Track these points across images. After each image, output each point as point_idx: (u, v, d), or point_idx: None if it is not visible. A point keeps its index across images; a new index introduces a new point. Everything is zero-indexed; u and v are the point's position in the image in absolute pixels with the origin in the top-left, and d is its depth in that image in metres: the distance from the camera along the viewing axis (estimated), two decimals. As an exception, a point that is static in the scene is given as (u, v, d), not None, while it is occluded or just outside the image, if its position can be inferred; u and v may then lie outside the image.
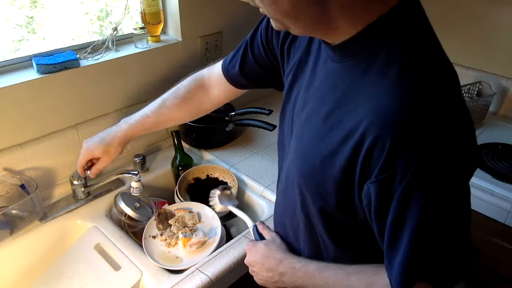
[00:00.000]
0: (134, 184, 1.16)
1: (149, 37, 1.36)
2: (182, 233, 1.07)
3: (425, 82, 0.53)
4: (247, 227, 1.15)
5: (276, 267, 0.77)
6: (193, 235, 1.06)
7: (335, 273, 0.68)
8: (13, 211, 1.07)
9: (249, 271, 0.85)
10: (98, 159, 1.07)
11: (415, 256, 0.55)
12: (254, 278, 0.84)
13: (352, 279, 0.65)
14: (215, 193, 1.08)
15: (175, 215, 1.13)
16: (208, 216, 1.13)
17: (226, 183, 1.31)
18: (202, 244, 1.05)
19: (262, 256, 0.81)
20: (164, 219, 1.12)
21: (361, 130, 0.54)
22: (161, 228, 1.10)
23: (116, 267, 1.04)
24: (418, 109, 0.52)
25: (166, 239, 1.08)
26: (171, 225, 1.11)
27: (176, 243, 1.07)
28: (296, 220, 0.76)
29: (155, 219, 1.12)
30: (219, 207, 1.07)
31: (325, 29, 0.58)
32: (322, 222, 0.69)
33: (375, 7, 0.55)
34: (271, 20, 0.61)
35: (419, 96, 0.52)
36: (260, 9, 0.59)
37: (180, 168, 1.32)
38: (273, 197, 1.23)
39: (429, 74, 0.54)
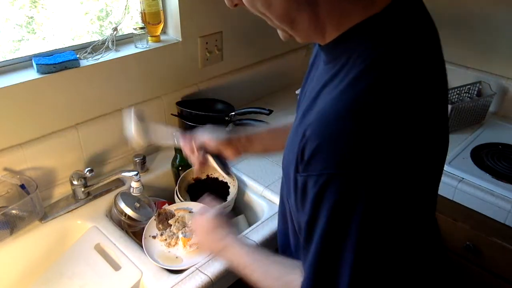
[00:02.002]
0: (134, 184, 1.16)
1: (149, 37, 1.36)
2: (182, 233, 1.07)
3: (371, 93, 0.52)
4: (247, 227, 1.16)
5: (221, 238, 0.83)
6: (193, 235, 1.06)
7: (260, 258, 0.75)
8: (13, 211, 1.07)
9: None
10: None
11: (320, 264, 0.56)
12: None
13: (274, 266, 0.72)
14: (131, 117, 0.96)
15: (175, 215, 1.13)
16: None
17: (226, 183, 1.31)
18: None
19: (208, 233, 0.87)
20: (164, 219, 1.12)
21: (306, 130, 0.55)
22: (161, 228, 1.10)
23: (116, 267, 1.04)
24: (350, 121, 0.51)
25: (166, 239, 1.08)
26: (171, 225, 1.11)
27: (176, 243, 1.07)
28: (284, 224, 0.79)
29: (155, 219, 1.12)
30: (139, 143, 0.99)
31: (318, 32, 0.59)
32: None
33: (357, 12, 0.55)
34: (278, 31, 0.62)
35: (355, 108, 0.51)
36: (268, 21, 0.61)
37: (180, 168, 1.32)
38: (273, 197, 1.23)
39: (379, 86, 0.52)
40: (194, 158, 0.96)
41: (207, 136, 0.95)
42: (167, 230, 1.10)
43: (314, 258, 0.57)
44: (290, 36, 0.61)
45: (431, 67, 0.60)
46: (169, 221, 1.12)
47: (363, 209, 0.52)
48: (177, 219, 1.11)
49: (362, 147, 0.50)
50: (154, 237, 1.09)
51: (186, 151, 0.97)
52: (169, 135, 1.00)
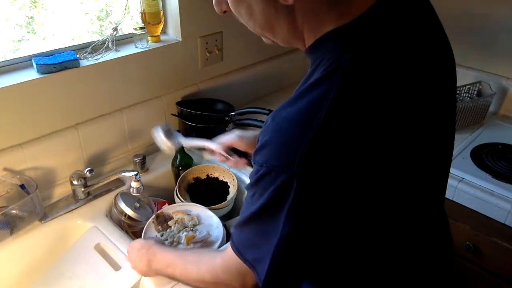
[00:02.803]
0: (134, 184, 1.16)
1: (149, 37, 1.36)
2: (183, 232, 1.07)
3: (320, 102, 0.53)
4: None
5: (148, 251, 0.91)
6: (197, 233, 1.06)
7: (183, 253, 0.84)
8: (13, 211, 1.07)
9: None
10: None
11: (238, 231, 0.66)
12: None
13: (189, 257, 0.81)
14: (159, 132, 1.06)
15: (173, 218, 1.13)
16: (208, 216, 1.13)
17: (226, 183, 1.31)
18: (206, 242, 1.05)
19: (136, 249, 0.95)
20: (163, 221, 1.12)
21: (265, 122, 0.61)
22: (160, 229, 1.10)
23: (116, 267, 1.04)
24: (292, 127, 0.55)
25: (167, 239, 1.07)
26: (170, 227, 1.10)
27: (178, 242, 1.07)
28: None
29: (153, 222, 1.12)
30: (171, 148, 1.06)
31: (297, 38, 0.61)
32: None
33: (332, 20, 0.57)
34: (262, 37, 0.66)
35: (300, 116, 0.55)
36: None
37: (180, 168, 1.32)
38: (273, 197, 1.23)
39: (330, 95, 0.53)
40: (230, 163, 1.01)
41: (235, 137, 0.99)
42: (167, 231, 1.10)
43: (241, 224, 0.65)
44: (273, 41, 0.65)
45: (415, 72, 0.59)
46: (168, 223, 1.11)
47: (291, 202, 0.55)
48: (177, 221, 1.11)
49: (297, 151, 0.53)
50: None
51: (218, 157, 1.02)
52: (198, 140, 1.06)
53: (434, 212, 0.77)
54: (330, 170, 0.54)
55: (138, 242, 0.97)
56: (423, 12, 0.63)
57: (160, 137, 1.06)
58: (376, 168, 0.57)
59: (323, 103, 0.53)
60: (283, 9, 0.57)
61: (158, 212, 1.14)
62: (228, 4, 0.62)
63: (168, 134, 1.06)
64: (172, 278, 0.86)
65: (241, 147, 0.99)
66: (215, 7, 0.65)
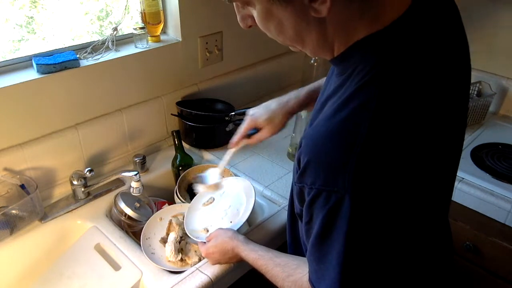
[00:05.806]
0: (134, 184, 1.16)
1: (149, 37, 1.36)
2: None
3: (361, 113, 0.53)
4: (247, 228, 1.15)
5: (234, 255, 0.92)
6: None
7: (266, 263, 0.81)
8: (13, 211, 1.07)
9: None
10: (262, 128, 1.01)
11: (315, 261, 0.63)
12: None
13: (277, 269, 0.78)
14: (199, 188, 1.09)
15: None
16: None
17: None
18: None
19: (220, 254, 0.95)
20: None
21: (301, 142, 0.60)
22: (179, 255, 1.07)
23: (116, 267, 1.04)
24: (336, 143, 0.54)
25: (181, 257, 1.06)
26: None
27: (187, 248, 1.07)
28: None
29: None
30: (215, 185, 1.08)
31: (327, 48, 0.60)
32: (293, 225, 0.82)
33: (363, 28, 0.56)
34: (289, 47, 0.65)
35: (342, 130, 0.54)
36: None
37: (180, 168, 1.32)
38: (273, 197, 1.23)
39: (371, 105, 0.53)
40: (253, 140, 1.02)
41: (249, 121, 1.00)
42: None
43: (309, 256, 0.63)
44: (300, 50, 0.64)
45: (443, 79, 0.59)
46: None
47: (348, 220, 0.54)
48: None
49: (345, 167, 0.52)
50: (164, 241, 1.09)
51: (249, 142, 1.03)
52: (224, 157, 1.06)
53: (442, 216, 0.77)
54: (380, 183, 0.53)
55: (214, 247, 0.95)
56: (450, 17, 0.63)
57: (204, 185, 1.07)
58: (415, 177, 0.57)
59: (364, 115, 0.52)
60: (315, 21, 0.56)
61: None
62: (254, 19, 0.60)
63: (201, 180, 1.10)
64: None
65: (261, 124, 0.99)
66: (240, 23, 0.63)
